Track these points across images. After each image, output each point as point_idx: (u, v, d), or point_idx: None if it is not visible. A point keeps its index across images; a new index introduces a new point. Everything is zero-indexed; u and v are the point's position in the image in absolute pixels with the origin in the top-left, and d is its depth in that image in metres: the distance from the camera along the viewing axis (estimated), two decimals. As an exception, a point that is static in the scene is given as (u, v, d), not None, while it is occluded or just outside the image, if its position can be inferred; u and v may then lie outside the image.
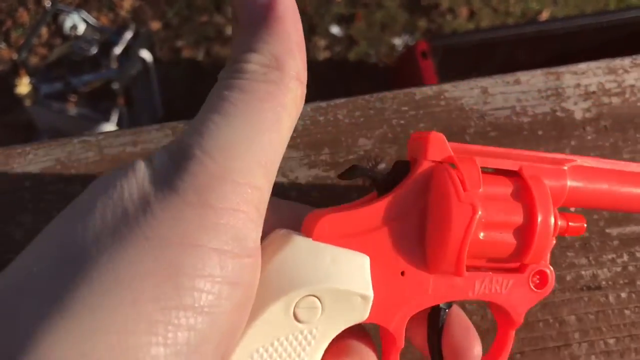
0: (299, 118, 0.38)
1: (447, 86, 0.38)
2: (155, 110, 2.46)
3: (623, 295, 0.33)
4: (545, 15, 3.09)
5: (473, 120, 0.37)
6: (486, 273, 0.26)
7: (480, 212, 0.25)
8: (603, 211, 0.34)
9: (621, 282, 0.33)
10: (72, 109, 2.27)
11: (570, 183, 0.26)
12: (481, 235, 0.25)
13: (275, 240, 0.26)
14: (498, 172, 0.27)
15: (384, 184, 0.26)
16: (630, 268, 0.33)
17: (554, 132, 0.36)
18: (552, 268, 0.27)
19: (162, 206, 0.21)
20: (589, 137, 0.36)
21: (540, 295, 0.27)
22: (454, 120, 0.37)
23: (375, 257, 0.25)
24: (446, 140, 0.26)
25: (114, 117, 2.25)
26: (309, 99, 0.30)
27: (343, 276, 0.24)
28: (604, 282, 0.33)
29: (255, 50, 0.24)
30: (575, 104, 0.37)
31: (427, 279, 0.25)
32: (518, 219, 0.25)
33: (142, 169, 0.22)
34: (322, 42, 2.92)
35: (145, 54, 2.39)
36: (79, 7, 2.89)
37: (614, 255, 0.34)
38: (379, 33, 2.99)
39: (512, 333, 0.27)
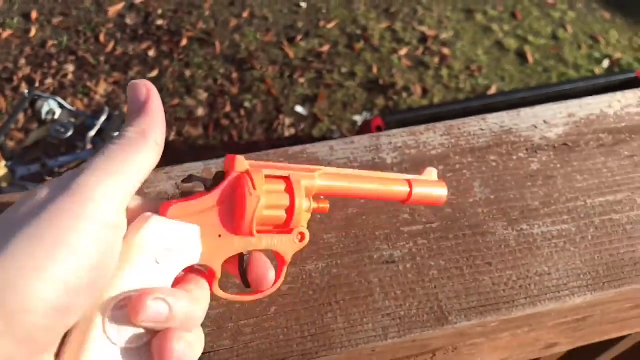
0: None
1: (308, 145, 0.56)
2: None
3: (408, 266, 0.50)
4: (493, 89, 3.32)
5: (324, 165, 0.55)
6: (269, 234, 0.42)
7: (262, 201, 0.40)
8: (400, 216, 0.52)
9: (407, 258, 0.50)
10: (48, 190, 2.34)
11: (318, 182, 0.44)
12: (264, 212, 0.41)
13: (142, 218, 0.39)
14: (278, 177, 0.42)
15: (210, 186, 0.41)
16: (414, 250, 0.50)
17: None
18: (307, 230, 0.43)
19: (59, 199, 0.34)
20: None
21: (300, 245, 0.43)
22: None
23: (204, 227, 0.40)
24: (245, 160, 0.42)
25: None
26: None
27: (182, 236, 0.39)
28: (397, 259, 0.50)
29: (132, 125, 0.39)
30: (388, 154, 0.55)
31: (233, 239, 0.41)
32: (286, 203, 0.41)
33: (45, 187, 0.36)
34: (287, 121, 3.09)
35: (119, 136, 2.48)
36: (55, 93, 3.02)
37: (405, 243, 0.50)
38: (341, 111, 3.17)
39: (285, 268, 0.43)
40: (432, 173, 0.48)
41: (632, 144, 0.57)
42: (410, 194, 0.46)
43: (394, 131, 0.56)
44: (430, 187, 0.47)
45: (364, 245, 0.50)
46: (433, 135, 0.56)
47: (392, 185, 0.46)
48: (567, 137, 0.57)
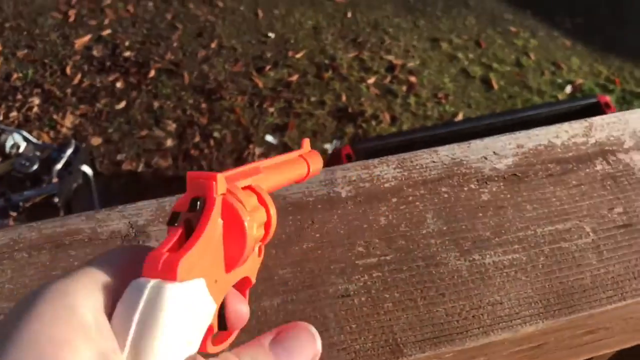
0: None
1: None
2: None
3: (363, 299, 0.50)
4: (460, 116, 3.38)
5: (279, 201, 0.55)
6: None
7: (254, 223, 0.33)
8: (355, 250, 0.52)
9: (362, 291, 0.50)
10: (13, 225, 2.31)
11: (265, 183, 0.38)
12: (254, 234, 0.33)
13: (153, 291, 0.28)
14: (246, 188, 0.35)
15: (190, 218, 0.31)
16: (369, 283, 0.50)
17: (328, 205, 0.55)
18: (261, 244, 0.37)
19: None
20: (350, 208, 0.54)
21: (260, 260, 0.36)
22: (268, 202, 0.55)
23: (206, 276, 0.30)
24: (224, 178, 0.33)
25: (55, 230, 2.24)
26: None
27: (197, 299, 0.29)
28: (352, 292, 0.50)
29: None
30: (342, 187, 0.56)
31: (227, 278, 0.33)
32: (264, 218, 0.35)
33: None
34: (257, 150, 3.10)
35: (86, 169, 2.42)
36: (20, 126, 2.98)
37: (360, 276, 0.51)
38: (311, 139, 3.19)
39: (248, 291, 0.37)
40: (307, 144, 0.50)
41: (579, 173, 0.58)
42: (308, 170, 0.47)
43: (349, 165, 0.57)
44: (314, 158, 0.48)
45: (319, 279, 0.50)
46: (386, 169, 0.57)
47: (301, 168, 0.47)
48: (516, 167, 0.58)
